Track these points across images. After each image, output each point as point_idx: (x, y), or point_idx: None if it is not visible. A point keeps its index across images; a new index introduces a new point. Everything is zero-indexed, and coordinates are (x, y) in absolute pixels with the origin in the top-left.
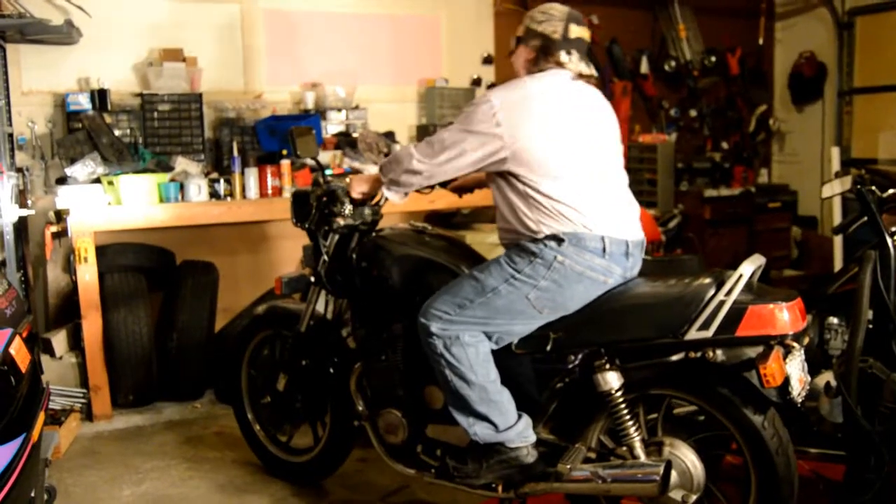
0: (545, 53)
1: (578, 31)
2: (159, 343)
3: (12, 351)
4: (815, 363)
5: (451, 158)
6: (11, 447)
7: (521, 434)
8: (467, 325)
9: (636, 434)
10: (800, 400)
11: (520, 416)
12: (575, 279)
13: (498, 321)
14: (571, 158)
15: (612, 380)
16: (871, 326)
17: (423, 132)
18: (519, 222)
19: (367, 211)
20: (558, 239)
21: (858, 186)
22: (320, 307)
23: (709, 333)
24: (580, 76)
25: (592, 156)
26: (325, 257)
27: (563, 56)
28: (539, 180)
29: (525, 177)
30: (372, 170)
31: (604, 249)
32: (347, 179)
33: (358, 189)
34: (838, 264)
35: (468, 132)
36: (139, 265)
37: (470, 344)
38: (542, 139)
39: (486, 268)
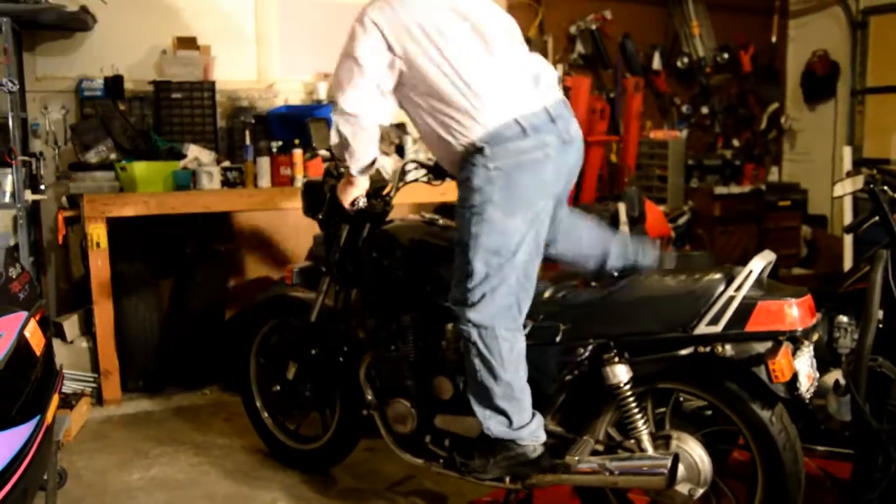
0: None
1: None
2: (169, 330)
3: (27, 334)
4: (824, 361)
5: (354, 79)
6: (26, 429)
7: (533, 433)
8: (488, 292)
9: (644, 427)
10: (808, 396)
11: (533, 415)
12: (517, 172)
13: (501, 260)
14: (456, 53)
15: (620, 373)
16: (881, 325)
17: None
18: (443, 144)
19: (378, 202)
20: (479, 150)
21: (871, 186)
22: (330, 297)
23: (718, 328)
24: None
25: (475, 41)
26: (336, 248)
27: None
28: (438, 88)
29: (423, 88)
30: (383, 160)
31: (523, 130)
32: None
33: (347, 200)
34: (848, 263)
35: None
36: (150, 252)
37: (505, 338)
38: (425, 44)
39: (456, 230)
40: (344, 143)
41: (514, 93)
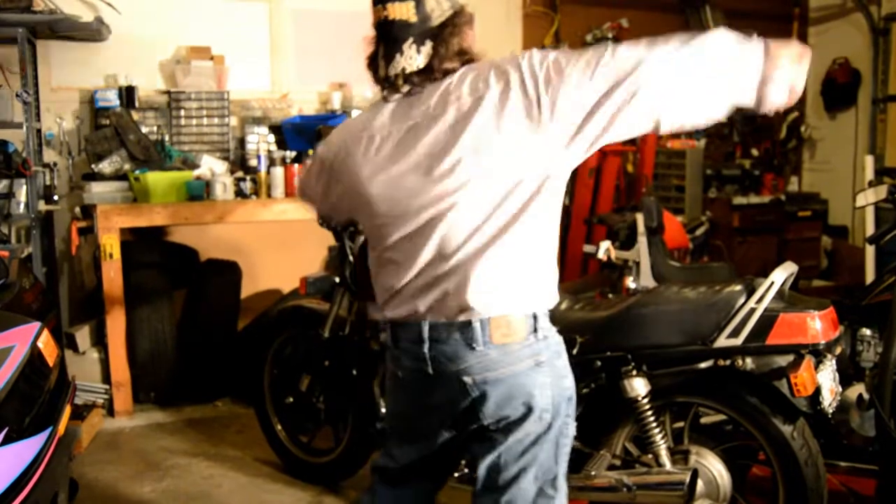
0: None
1: (377, 12)
2: (182, 341)
3: (40, 344)
4: (847, 375)
5: None
6: (38, 440)
7: None
8: None
9: (662, 442)
10: (830, 410)
11: None
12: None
13: None
14: (373, 223)
15: (638, 386)
16: None
17: None
18: None
19: None
20: None
21: (894, 196)
22: (344, 308)
23: (738, 341)
24: (384, 80)
25: (398, 212)
26: (351, 258)
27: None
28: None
29: None
30: None
31: (394, 339)
32: None
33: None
34: (870, 275)
35: None
36: (163, 263)
37: None
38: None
39: None
40: None
41: (408, 291)
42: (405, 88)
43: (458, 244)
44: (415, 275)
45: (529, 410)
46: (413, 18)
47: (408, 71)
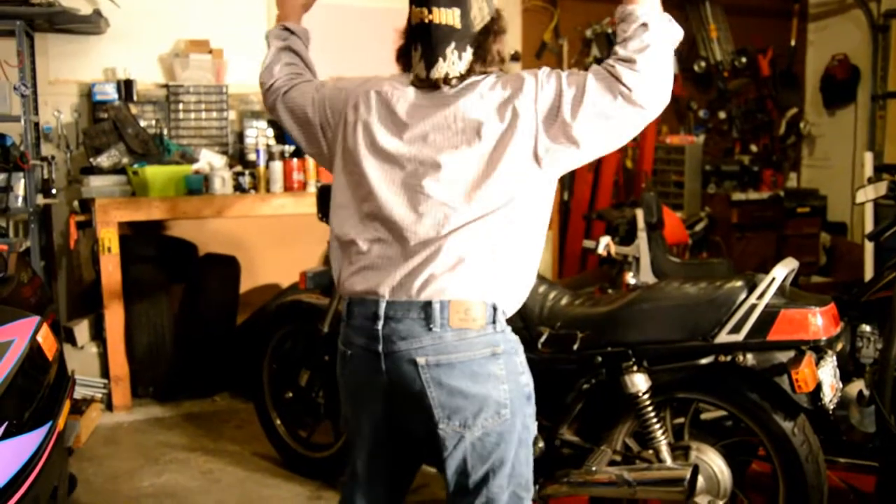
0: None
1: (418, 13)
2: (180, 335)
3: (39, 339)
4: (847, 372)
5: None
6: (37, 435)
7: None
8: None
9: (663, 437)
10: (831, 407)
11: None
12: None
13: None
14: (345, 191)
15: (639, 382)
16: None
17: None
18: None
19: None
20: None
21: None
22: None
23: (739, 337)
24: (421, 81)
25: (374, 187)
26: None
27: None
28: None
29: None
30: None
31: (349, 315)
32: None
33: None
34: (869, 272)
35: None
36: (162, 257)
37: None
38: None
39: None
40: None
41: (373, 268)
42: (444, 87)
43: (430, 224)
44: (381, 250)
45: (483, 403)
46: (458, 25)
47: (451, 76)
